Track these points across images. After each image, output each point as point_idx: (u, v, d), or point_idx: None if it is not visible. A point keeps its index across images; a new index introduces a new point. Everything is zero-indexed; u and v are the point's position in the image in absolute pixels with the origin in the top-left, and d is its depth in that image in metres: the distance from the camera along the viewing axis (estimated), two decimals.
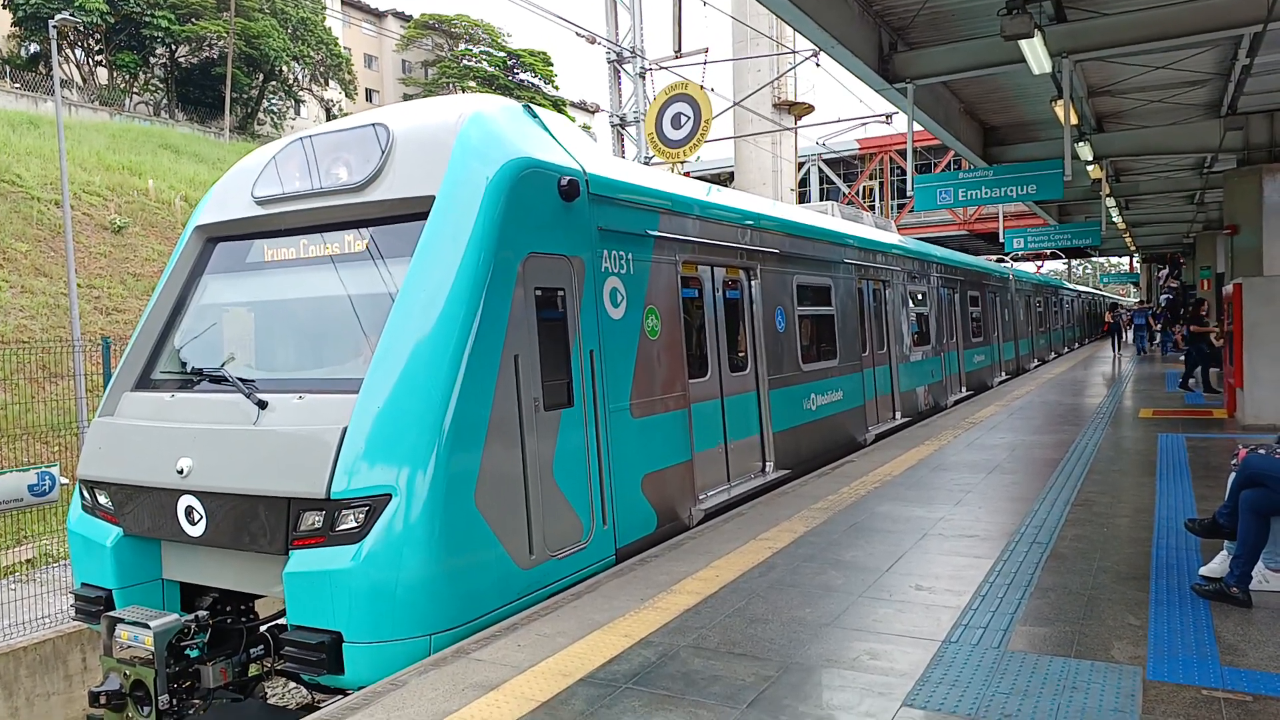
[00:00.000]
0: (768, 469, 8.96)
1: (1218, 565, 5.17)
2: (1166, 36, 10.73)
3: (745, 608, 5.14)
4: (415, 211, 5.55)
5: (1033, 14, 9.42)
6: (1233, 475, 5.16)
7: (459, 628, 4.91)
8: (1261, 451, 5.08)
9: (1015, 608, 4.96)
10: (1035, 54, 10.14)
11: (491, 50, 56.42)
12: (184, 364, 6.19)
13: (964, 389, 17.57)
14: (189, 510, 5.28)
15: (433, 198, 5.49)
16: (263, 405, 5.28)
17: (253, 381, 5.52)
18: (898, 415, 13.26)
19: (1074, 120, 13.05)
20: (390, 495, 4.76)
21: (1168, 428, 11.76)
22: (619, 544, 6.36)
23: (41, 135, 27.61)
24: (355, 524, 4.76)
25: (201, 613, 5.27)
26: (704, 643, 4.62)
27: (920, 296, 15.04)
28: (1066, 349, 34.80)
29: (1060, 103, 12.49)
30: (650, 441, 6.87)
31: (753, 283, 8.98)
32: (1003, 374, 21.36)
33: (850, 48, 11.10)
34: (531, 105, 6.56)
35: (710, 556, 6.22)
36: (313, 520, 4.84)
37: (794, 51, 25.75)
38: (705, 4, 18.20)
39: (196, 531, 5.28)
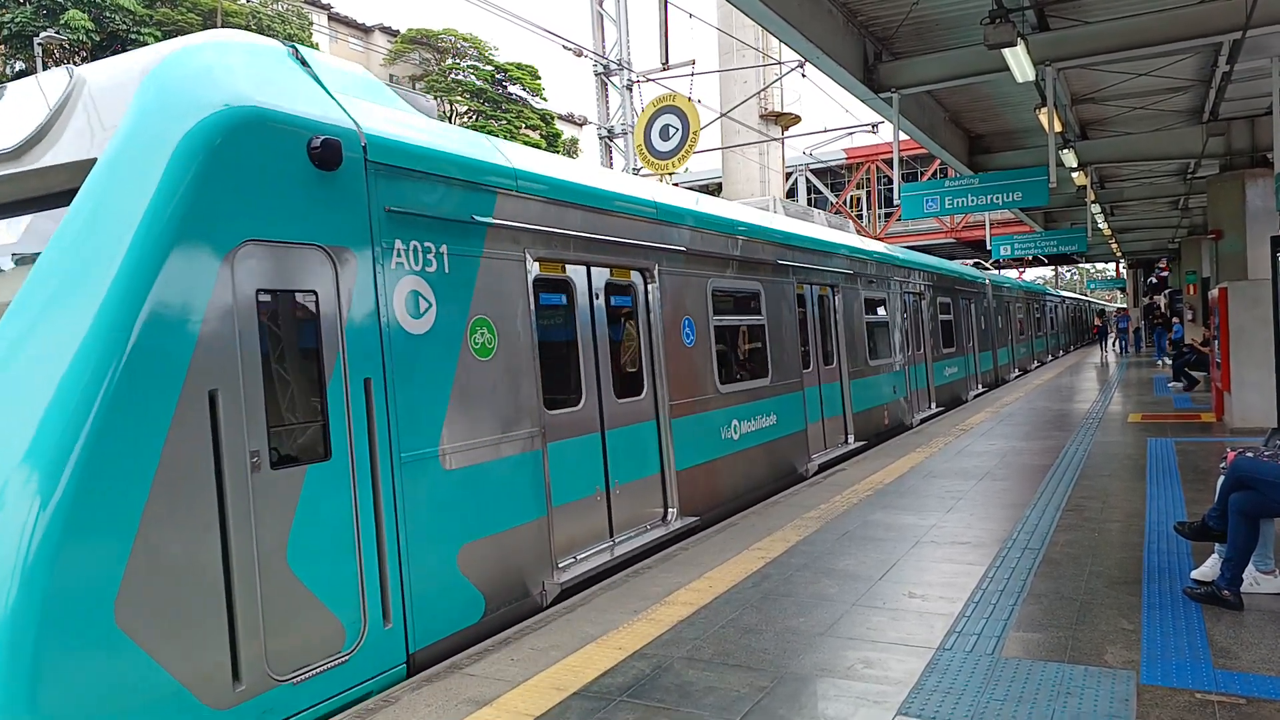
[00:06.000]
0: (670, 516, 7.45)
1: (1209, 568, 5.20)
2: (1147, 44, 10.88)
3: (739, 618, 5.13)
4: (79, 186, 4.05)
5: (1015, 23, 9.52)
6: (1221, 478, 5.19)
7: None
8: (1249, 454, 5.12)
9: (1008, 614, 4.97)
10: (1018, 62, 10.24)
11: (479, 64, 56.55)
12: None
13: (933, 404, 16.18)
14: None
15: (94, 162, 4.02)
16: None
17: None
18: (850, 439, 11.80)
19: (1058, 128, 13.18)
20: None
21: (1156, 432, 11.82)
22: (416, 645, 4.79)
23: None
24: None
25: None
26: (698, 654, 4.60)
27: (879, 304, 13.59)
28: (1050, 357, 34.65)
29: (1044, 110, 12.62)
30: (476, 498, 5.31)
31: (649, 286, 7.50)
32: (979, 386, 20.14)
33: (835, 58, 11.20)
34: (300, 48, 4.94)
35: (703, 567, 6.20)
36: None
37: (780, 62, 25.97)
38: (691, 16, 18.32)
39: None
